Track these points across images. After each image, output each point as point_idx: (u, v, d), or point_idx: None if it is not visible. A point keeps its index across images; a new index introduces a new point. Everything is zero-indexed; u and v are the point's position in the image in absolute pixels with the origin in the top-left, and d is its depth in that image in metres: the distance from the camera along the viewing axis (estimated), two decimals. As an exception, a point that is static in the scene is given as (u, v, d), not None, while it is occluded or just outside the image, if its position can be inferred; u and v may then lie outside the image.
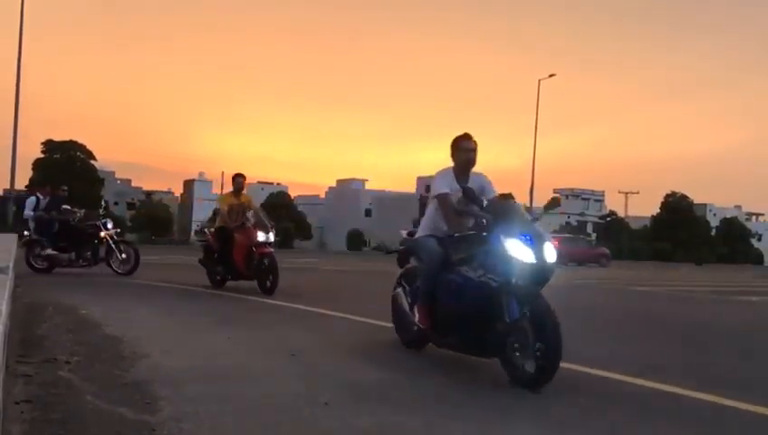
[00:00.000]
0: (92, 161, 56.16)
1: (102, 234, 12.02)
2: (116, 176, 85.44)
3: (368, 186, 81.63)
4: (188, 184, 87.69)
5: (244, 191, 10.50)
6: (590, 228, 72.53)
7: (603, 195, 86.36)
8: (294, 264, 21.19)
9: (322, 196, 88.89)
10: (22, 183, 46.57)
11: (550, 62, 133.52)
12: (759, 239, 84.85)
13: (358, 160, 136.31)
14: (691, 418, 3.83)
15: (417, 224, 8.35)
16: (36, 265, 11.96)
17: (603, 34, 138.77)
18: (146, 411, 3.39)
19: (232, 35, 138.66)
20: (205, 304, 8.57)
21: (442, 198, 5.08)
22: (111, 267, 11.99)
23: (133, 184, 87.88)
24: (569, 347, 4.21)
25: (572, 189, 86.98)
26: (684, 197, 70.84)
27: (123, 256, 12.09)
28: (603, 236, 63.43)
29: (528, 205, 47.45)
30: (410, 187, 76.26)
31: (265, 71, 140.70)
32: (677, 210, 68.20)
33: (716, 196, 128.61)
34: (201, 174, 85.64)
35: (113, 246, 12.07)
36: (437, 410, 3.70)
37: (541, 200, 62.49)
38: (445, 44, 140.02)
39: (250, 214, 10.14)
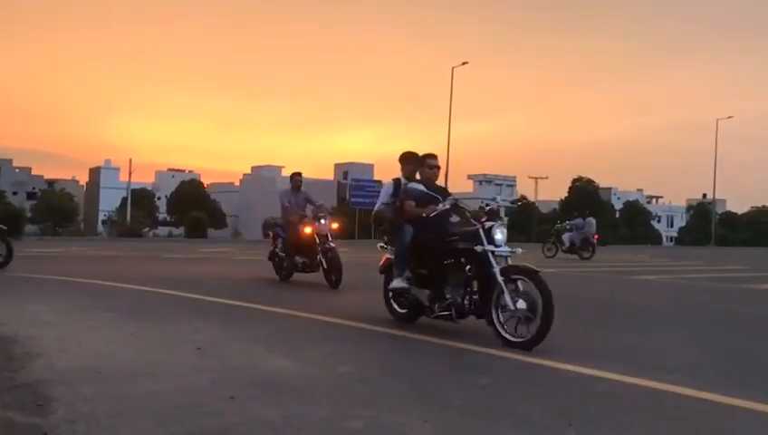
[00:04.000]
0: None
1: None
2: (14, 164, 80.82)
3: (284, 173, 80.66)
4: (94, 172, 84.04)
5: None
6: (502, 213, 74.60)
7: (515, 180, 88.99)
8: (207, 254, 20.71)
9: (237, 184, 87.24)
10: None
11: (463, 50, 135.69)
12: (658, 221, 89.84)
13: (273, 148, 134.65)
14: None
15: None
16: None
17: (515, 23, 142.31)
18: (37, 414, 3.23)
19: (141, 20, 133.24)
20: (109, 299, 8.22)
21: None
22: None
23: (33, 172, 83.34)
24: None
25: (485, 175, 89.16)
26: (590, 181, 73.97)
27: None
28: (515, 220, 65.35)
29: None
30: (328, 174, 76.03)
31: (178, 57, 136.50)
32: (584, 194, 71.11)
33: (620, 180, 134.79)
34: (108, 161, 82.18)
35: None
36: (346, 401, 3.71)
37: (454, 186, 63.66)
38: (359, 32, 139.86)
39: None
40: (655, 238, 74.50)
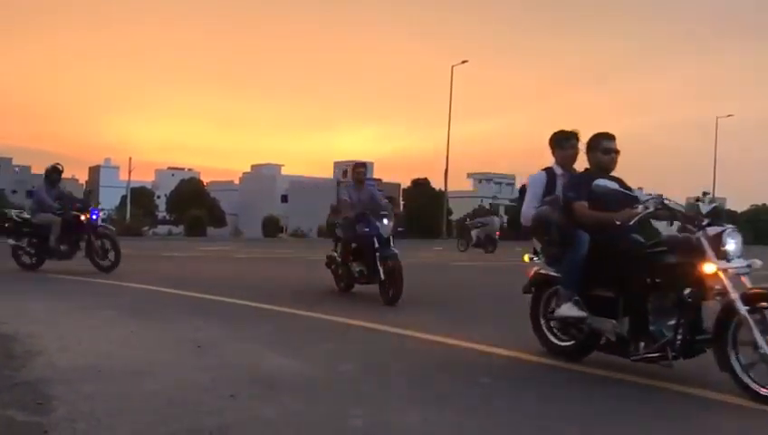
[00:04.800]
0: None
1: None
2: (14, 163, 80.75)
3: (283, 171, 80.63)
4: (94, 170, 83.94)
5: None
6: (502, 211, 74.67)
7: (514, 179, 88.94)
8: (206, 253, 20.71)
9: (237, 182, 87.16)
10: None
11: (463, 50, 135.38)
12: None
13: (273, 146, 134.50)
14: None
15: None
16: None
17: (514, 22, 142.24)
18: (38, 413, 3.23)
19: (141, 20, 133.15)
20: (109, 297, 8.22)
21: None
22: None
23: (33, 171, 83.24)
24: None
25: (485, 174, 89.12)
26: (589, 179, 73.90)
27: None
28: (514, 219, 65.41)
29: (443, 189, 48.31)
30: (327, 172, 75.98)
31: (177, 56, 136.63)
32: (584, 193, 70.99)
33: (622, 176, 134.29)
34: (107, 160, 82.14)
35: None
36: (346, 399, 3.71)
37: (454, 184, 63.68)
38: (359, 31, 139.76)
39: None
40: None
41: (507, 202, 75.26)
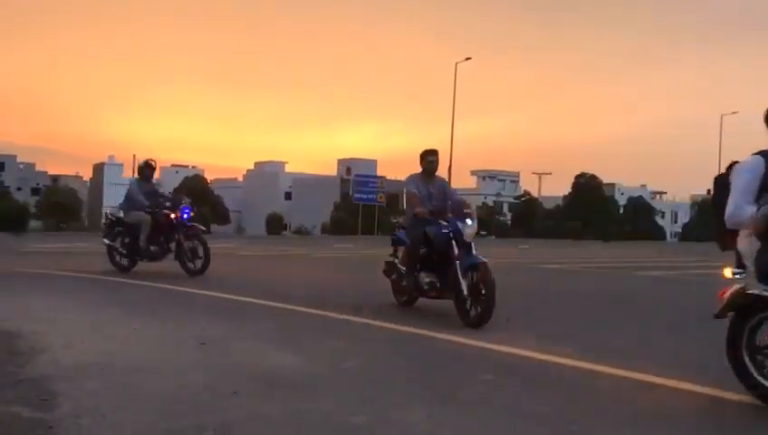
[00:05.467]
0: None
1: None
2: (18, 160, 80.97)
3: (287, 169, 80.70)
4: (98, 168, 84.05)
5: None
6: (505, 208, 74.51)
7: (518, 176, 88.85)
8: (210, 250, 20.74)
9: (241, 179, 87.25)
10: None
11: (465, 47, 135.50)
12: (663, 217, 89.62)
13: (276, 143, 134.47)
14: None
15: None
16: None
17: (517, 19, 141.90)
18: (42, 409, 3.25)
19: (144, 17, 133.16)
20: (113, 294, 8.26)
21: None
22: None
23: (38, 168, 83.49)
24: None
25: (489, 171, 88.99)
26: (593, 177, 73.71)
27: None
28: (518, 216, 65.35)
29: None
30: (330, 169, 76.01)
31: (180, 54, 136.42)
32: (587, 190, 70.97)
33: (624, 176, 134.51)
34: (111, 157, 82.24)
35: None
36: (349, 396, 3.73)
37: (457, 182, 63.62)
38: (362, 28, 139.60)
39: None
40: (658, 234, 74.37)
41: (511, 200, 75.13)
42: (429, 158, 7.21)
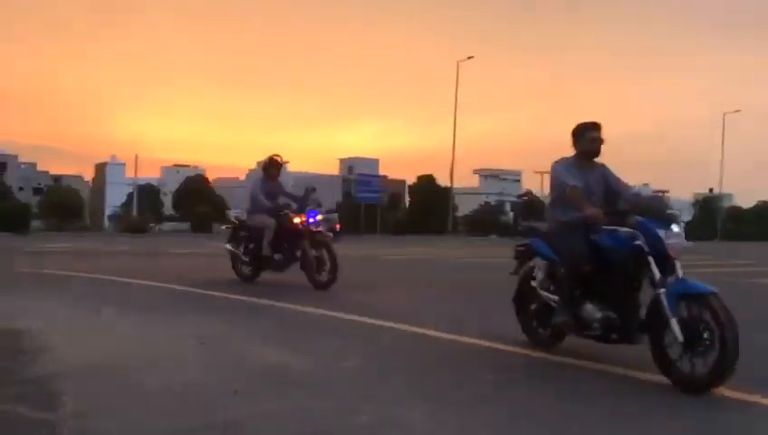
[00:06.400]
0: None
1: None
2: (20, 160, 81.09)
3: (289, 168, 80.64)
4: (100, 167, 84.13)
5: None
6: (507, 207, 74.57)
7: (520, 175, 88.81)
8: (213, 248, 20.77)
9: (243, 178, 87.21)
10: None
11: (467, 46, 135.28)
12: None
13: (278, 142, 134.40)
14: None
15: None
16: None
17: (519, 18, 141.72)
18: (46, 408, 3.28)
19: (146, 17, 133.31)
20: (115, 293, 8.29)
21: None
22: None
23: (39, 168, 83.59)
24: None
25: (491, 170, 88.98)
26: (595, 176, 73.60)
27: None
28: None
29: (449, 185, 48.34)
30: (332, 169, 75.97)
31: (182, 53, 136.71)
32: (589, 189, 70.75)
33: (626, 174, 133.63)
34: (113, 157, 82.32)
35: None
36: (350, 395, 3.74)
37: (460, 181, 63.59)
38: (362, 27, 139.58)
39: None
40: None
41: (514, 198, 75.19)
42: (591, 134, 4.93)
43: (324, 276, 8.56)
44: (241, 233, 9.39)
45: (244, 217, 9.49)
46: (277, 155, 9.41)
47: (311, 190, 9.33)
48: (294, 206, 9.08)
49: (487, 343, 5.24)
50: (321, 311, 6.79)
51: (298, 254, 8.79)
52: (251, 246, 9.17)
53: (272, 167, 9.40)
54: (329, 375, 4.23)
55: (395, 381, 4.15)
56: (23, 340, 4.91)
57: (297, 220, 8.74)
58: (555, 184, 4.91)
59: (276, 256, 8.92)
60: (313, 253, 8.64)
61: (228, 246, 9.48)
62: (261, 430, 3.14)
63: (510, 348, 5.09)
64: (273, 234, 8.82)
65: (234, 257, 9.45)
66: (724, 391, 3.86)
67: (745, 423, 3.49)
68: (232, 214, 9.86)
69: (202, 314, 6.57)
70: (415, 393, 3.81)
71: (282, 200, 9.34)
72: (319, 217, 8.80)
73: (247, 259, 9.26)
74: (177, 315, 6.53)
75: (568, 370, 4.53)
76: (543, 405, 3.67)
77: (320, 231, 8.79)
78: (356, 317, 6.46)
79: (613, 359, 4.66)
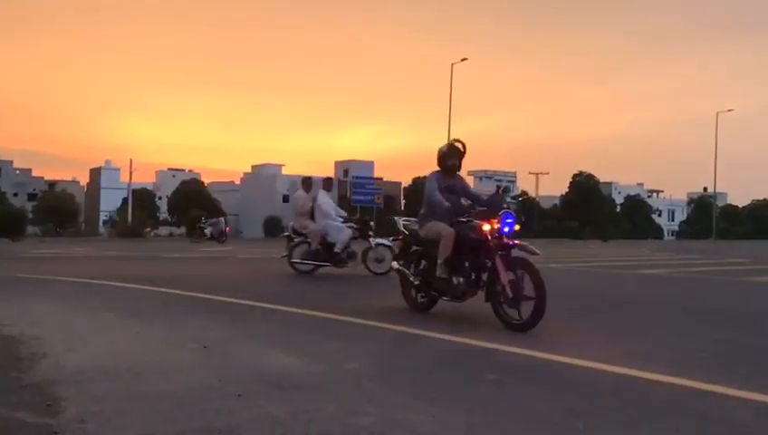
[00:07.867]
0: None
1: None
2: (14, 165, 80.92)
3: (284, 171, 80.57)
4: (95, 172, 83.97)
5: None
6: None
7: (515, 176, 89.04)
8: (209, 253, 20.74)
9: (238, 182, 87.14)
10: None
11: (462, 48, 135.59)
12: (659, 215, 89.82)
13: (273, 146, 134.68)
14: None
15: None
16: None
17: (514, 19, 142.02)
18: (47, 414, 3.24)
19: (140, 20, 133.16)
20: (113, 298, 8.24)
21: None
22: None
23: (34, 174, 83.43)
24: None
25: (486, 171, 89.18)
26: (590, 176, 73.87)
27: None
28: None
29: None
30: (328, 171, 75.90)
31: (177, 57, 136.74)
32: (585, 189, 71.10)
33: (621, 175, 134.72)
34: (108, 162, 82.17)
35: None
36: (354, 397, 3.71)
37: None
38: (358, 30, 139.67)
39: None
40: (655, 232, 74.51)
41: (509, 200, 75.34)
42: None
43: (524, 312, 5.95)
44: (413, 248, 7.29)
45: (414, 226, 7.32)
46: (457, 139, 7.08)
47: (503, 190, 7.52)
48: (484, 208, 6.63)
49: (488, 344, 5.22)
50: (323, 314, 6.75)
51: (484, 277, 6.46)
52: (423, 264, 7.09)
53: (452, 155, 6.99)
54: (332, 378, 4.19)
55: (398, 382, 4.12)
56: (22, 345, 4.86)
57: (487, 227, 6.28)
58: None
59: (455, 280, 6.58)
60: (510, 276, 6.12)
61: (395, 265, 7.49)
62: (267, 433, 3.11)
63: (511, 349, 5.08)
64: (451, 248, 6.55)
65: (403, 279, 7.36)
66: (724, 390, 3.85)
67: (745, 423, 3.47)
68: (401, 222, 7.63)
69: (203, 318, 6.53)
70: (418, 395, 3.78)
71: (465, 203, 7.04)
72: (517, 227, 6.27)
73: (417, 282, 7.12)
74: (177, 320, 6.49)
75: (571, 370, 4.51)
76: (548, 406, 3.64)
77: (517, 244, 6.24)
78: (355, 320, 6.44)
79: (615, 359, 4.65)
